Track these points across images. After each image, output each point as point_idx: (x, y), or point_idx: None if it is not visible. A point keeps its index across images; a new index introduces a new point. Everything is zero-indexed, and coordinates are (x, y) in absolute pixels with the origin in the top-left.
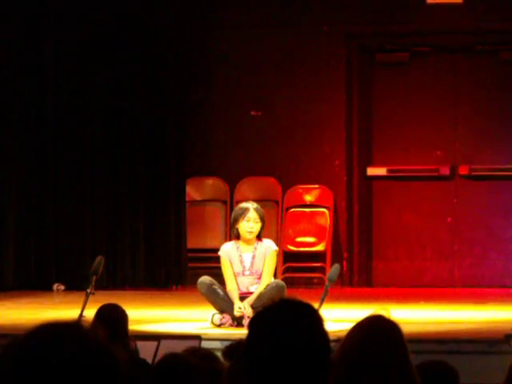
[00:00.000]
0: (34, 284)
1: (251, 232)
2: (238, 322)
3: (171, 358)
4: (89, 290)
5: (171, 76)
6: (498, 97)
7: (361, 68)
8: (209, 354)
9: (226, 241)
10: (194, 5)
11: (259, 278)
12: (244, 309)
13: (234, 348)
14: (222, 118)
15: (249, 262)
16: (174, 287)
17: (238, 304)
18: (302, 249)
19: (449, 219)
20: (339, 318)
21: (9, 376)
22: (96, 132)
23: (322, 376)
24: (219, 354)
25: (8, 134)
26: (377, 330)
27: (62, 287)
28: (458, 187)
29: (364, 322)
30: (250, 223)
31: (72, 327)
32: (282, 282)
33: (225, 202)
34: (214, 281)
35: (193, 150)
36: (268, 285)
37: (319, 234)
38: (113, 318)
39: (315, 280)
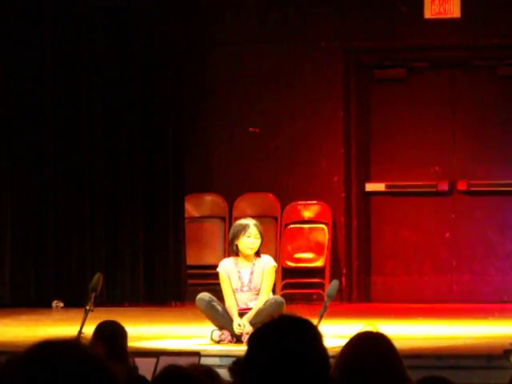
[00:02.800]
0: (33, 301)
1: (252, 248)
2: (237, 338)
3: (172, 369)
4: (88, 307)
5: (170, 92)
6: (496, 112)
7: (359, 84)
8: (209, 370)
9: (224, 257)
10: (193, 20)
11: (258, 294)
12: (243, 326)
13: (240, 363)
14: (220, 134)
15: (247, 278)
16: (173, 304)
17: (237, 321)
18: (300, 265)
19: (447, 235)
20: (338, 333)
21: None
22: (95, 148)
23: None
24: (220, 371)
25: (5, 151)
26: (369, 344)
27: (61, 304)
28: (456, 203)
29: (356, 339)
30: (251, 239)
31: (71, 344)
32: (281, 298)
33: (223, 219)
34: (213, 297)
35: (191, 166)
36: (267, 301)
37: (318, 250)
38: (112, 334)
39: (314, 296)
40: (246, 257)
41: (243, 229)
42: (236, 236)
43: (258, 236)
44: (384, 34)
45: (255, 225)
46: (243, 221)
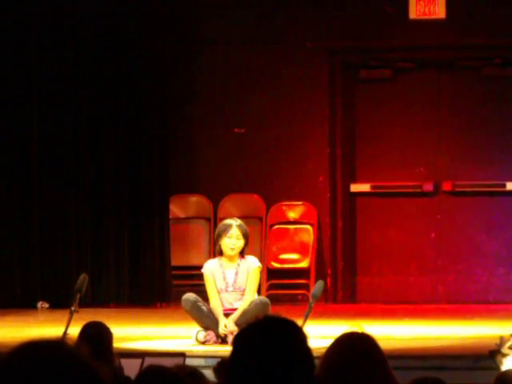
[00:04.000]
0: (18, 302)
1: (233, 249)
2: (222, 339)
3: (153, 369)
4: (73, 308)
5: (154, 93)
6: (481, 112)
7: (344, 84)
8: (194, 371)
9: (210, 258)
10: (177, 21)
11: (243, 295)
12: (229, 327)
13: (225, 364)
14: (205, 135)
15: (232, 279)
16: (158, 304)
17: (223, 322)
18: (285, 265)
19: (432, 235)
20: (323, 334)
21: None
22: (80, 149)
23: None
24: (205, 372)
25: None
26: (354, 344)
27: (47, 305)
28: (441, 203)
29: (341, 339)
30: (232, 240)
31: (56, 345)
32: (267, 299)
33: (208, 219)
34: (199, 298)
35: (176, 167)
36: (252, 301)
37: (303, 251)
38: (97, 335)
39: (299, 297)
40: (230, 257)
41: (225, 229)
42: (219, 236)
43: (241, 237)
44: (369, 35)
45: (238, 226)
46: (227, 221)
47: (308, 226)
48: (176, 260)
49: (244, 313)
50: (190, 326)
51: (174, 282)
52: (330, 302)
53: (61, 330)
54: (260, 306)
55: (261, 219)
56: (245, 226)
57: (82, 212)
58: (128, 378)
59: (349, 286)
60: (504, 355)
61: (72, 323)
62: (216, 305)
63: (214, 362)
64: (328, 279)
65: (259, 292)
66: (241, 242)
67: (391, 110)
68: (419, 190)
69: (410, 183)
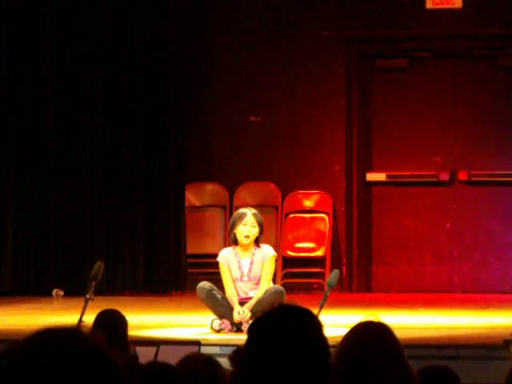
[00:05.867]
0: (33, 289)
1: (248, 236)
2: (237, 327)
3: (156, 367)
4: (88, 296)
5: (170, 82)
6: (497, 102)
7: (360, 74)
8: (210, 359)
9: (225, 246)
10: (193, 11)
11: (258, 284)
12: (243, 313)
13: (241, 352)
14: (221, 123)
15: (247, 268)
16: (173, 292)
17: (237, 309)
18: (301, 254)
19: (448, 225)
20: (338, 323)
21: (8, 382)
22: (95, 138)
23: (321, 381)
24: (220, 360)
25: (7, 140)
26: (371, 334)
27: (62, 293)
28: (457, 193)
29: (357, 328)
30: (247, 227)
31: (71, 332)
32: (282, 288)
33: (224, 208)
34: (214, 286)
35: (192, 155)
36: (267, 290)
37: (318, 240)
38: (112, 323)
39: (315, 285)
40: (245, 246)
41: (240, 217)
42: (234, 224)
43: (256, 224)
44: (386, 24)
45: (254, 214)
46: (242, 210)
47: (324, 215)
48: (191, 248)
49: (259, 301)
50: (205, 314)
51: (190, 271)
52: (346, 290)
53: (76, 318)
54: (275, 294)
55: (276, 208)
56: (259, 215)
57: (98, 199)
58: (143, 365)
59: (364, 275)
60: None
61: (87, 311)
62: (231, 293)
63: (229, 350)
64: (343, 268)
65: (274, 281)
66: (256, 230)
67: (407, 99)
68: (435, 180)
69: (426, 172)
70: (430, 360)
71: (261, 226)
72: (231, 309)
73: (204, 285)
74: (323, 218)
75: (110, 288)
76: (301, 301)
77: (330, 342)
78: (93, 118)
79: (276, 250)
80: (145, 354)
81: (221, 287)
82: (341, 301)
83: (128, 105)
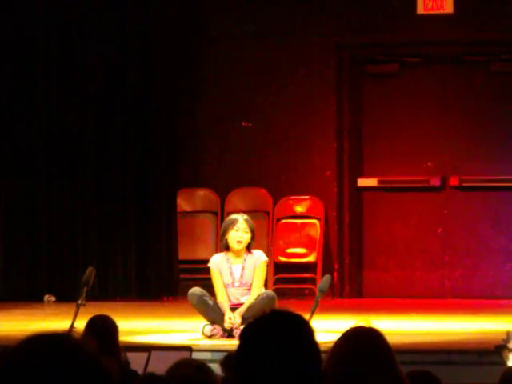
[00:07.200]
0: (25, 295)
1: (240, 242)
2: (228, 333)
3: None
4: (80, 302)
5: (162, 87)
6: (488, 108)
7: (351, 79)
8: (201, 365)
9: (216, 252)
10: (185, 16)
11: (249, 289)
12: (234, 319)
13: (232, 358)
14: (212, 129)
15: (238, 274)
16: (165, 298)
17: (228, 314)
18: (292, 260)
19: (439, 230)
20: (330, 328)
21: None
22: (87, 143)
23: None
24: (212, 366)
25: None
26: (362, 339)
27: (53, 298)
28: (448, 198)
29: (349, 333)
30: (238, 233)
31: (63, 338)
32: (273, 293)
33: (216, 214)
34: (205, 292)
35: (184, 161)
36: (259, 296)
37: (310, 245)
38: (104, 329)
39: (306, 291)
40: (237, 252)
41: (232, 223)
42: (226, 230)
43: (247, 230)
44: (377, 29)
45: (245, 220)
46: (233, 216)
47: (315, 221)
48: (183, 254)
49: (250, 307)
50: (196, 319)
51: (181, 276)
52: (337, 296)
53: (67, 324)
54: (266, 300)
55: (268, 213)
56: (251, 221)
57: (89, 205)
58: (134, 371)
59: (355, 281)
60: (510, 350)
61: (79, 317)
62: (223, 299)
63: (220, 355)
64: (335, 273)
65: (266, 286)
66: (248, 236)
67: (398, 104)
68: (426, 185)
69: (417, 178)
70: (422, 365)
71: (252, 231)
72: (223, 314)
73: (195, 290)
74: (314, 224)
75: (101, 294)
76: (292, 306)
77: (322, 348)
78: (84, 125)
79: (267, 256)
80: (136, 360)
81: (212, 293)
82: (332, 306)
83: (119, 110)
